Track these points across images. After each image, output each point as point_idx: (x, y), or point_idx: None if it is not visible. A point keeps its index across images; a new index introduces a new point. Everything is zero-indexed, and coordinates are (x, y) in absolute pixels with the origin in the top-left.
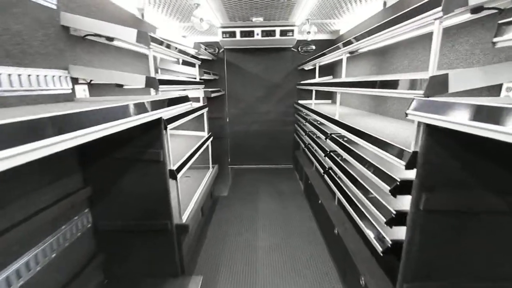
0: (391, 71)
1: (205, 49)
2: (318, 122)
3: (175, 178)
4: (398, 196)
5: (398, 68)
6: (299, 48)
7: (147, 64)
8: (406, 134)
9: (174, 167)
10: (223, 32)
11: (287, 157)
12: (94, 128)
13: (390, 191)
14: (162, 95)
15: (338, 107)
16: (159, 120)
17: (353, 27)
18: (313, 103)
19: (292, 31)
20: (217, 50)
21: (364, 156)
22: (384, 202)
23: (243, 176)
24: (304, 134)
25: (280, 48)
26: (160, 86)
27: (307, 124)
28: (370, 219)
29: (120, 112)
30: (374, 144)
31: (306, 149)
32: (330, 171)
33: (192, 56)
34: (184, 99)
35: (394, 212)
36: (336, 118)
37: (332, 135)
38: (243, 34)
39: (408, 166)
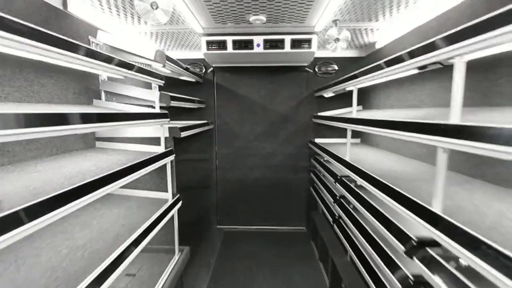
0: None
1: (187, 69)
2: (355, 184)
3: None
4: None
5: None
6: (316, 68)
7: (74, 83)
8: None
9: None
10: (208, 42)
11: (298, 216)
12: None
13: None
14: None
15: (443, 173)
16: None
17: (403, 34)
18: (348, 148)
19: (309, 41)
20: (204, 69)
21: None
22: None
23: (236, 248)
24: (332, 200)
25: (291, 67)
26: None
27: (338, 185)
28: None
29: None
30: None
31: (334, 225)
32: None
33: (148, 73)
34: None
35: None
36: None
37: (434, 254)
38: (237, 45)
39: None
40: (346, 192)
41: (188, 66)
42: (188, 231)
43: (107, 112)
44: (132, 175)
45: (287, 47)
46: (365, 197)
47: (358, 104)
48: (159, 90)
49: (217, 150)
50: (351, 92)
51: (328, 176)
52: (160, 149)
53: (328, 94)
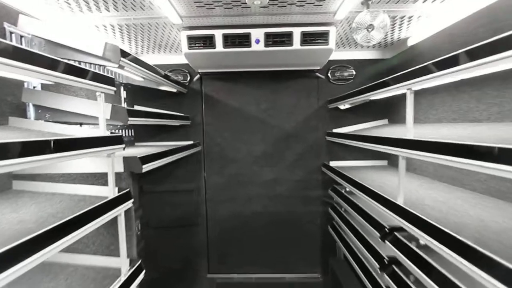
0: None
1: (166, 76)
2: (416, 244)
3: None
4: None
5: None
6: (329, 74)
7: None
8: None
9: None
10: (190, 38)
11: (310, 260)
12: None
13: None
14: None
15: None
16: None
17: (449, 25)
18: (400, 185)
19: (326, 34)
20: (189, 77)
21: None
22: None
23: None
24: (378, 266)
25: (299, 72)
26: None
27: (387, 244)
28: None
29: None
30: None
31: None
32: None
33: (88, 76)
34: None
35: None
36: None
37: None
38: (230, 41)
39: None
40: (403, 256)
41: (168, 73)
42: (169, 284)
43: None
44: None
45: (296, 43)
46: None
47: (380, 118)
48: (127, 101)
49: (206, 178)
50: (371, 102)
51: (357, 217)
52: (108, 192)
53: (345, 105)
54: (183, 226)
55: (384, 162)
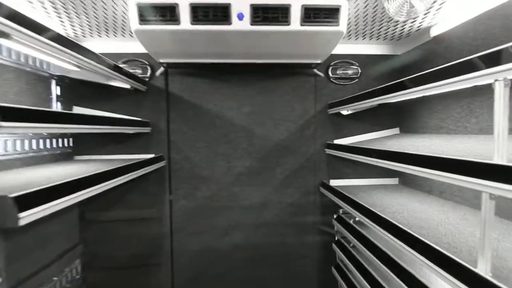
0: None
1: (115, 67)
2: None
3: None
4: None
5: None
6: (329, 71)
7: None
8: None
9: None
10: (140, 8)
11: None
12: None
13: None
14: None
15: None
16: None
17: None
18: (484, 244)
19: (337, 10)
20: (149, 70)
21: None
22: None
23: None
24: None
25: (293, 66)
26: None
27: None
28: None
29: None
30: None
31: None
32: None
33: None
34: None
35: None
36: None
37: None
38: (200, 14)
39: None
40: None
41: (120, 65)
42: None
43: None
44: None
45: (295, 22)
46: None
47: (390, 126)
48: (61, 100)
49: (173, 203)
50: (379, 107)
51: (381, 266)
52: None
53: (348, 110)
54: (139, 267)
55: (394, 181)
